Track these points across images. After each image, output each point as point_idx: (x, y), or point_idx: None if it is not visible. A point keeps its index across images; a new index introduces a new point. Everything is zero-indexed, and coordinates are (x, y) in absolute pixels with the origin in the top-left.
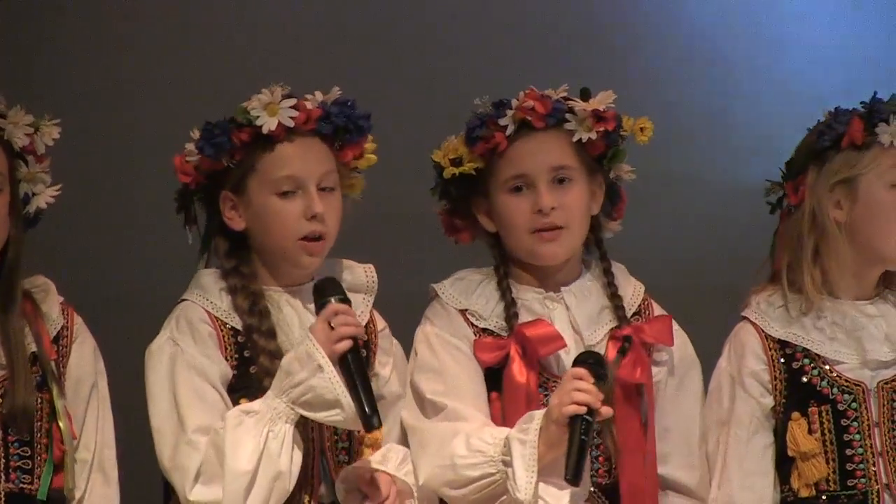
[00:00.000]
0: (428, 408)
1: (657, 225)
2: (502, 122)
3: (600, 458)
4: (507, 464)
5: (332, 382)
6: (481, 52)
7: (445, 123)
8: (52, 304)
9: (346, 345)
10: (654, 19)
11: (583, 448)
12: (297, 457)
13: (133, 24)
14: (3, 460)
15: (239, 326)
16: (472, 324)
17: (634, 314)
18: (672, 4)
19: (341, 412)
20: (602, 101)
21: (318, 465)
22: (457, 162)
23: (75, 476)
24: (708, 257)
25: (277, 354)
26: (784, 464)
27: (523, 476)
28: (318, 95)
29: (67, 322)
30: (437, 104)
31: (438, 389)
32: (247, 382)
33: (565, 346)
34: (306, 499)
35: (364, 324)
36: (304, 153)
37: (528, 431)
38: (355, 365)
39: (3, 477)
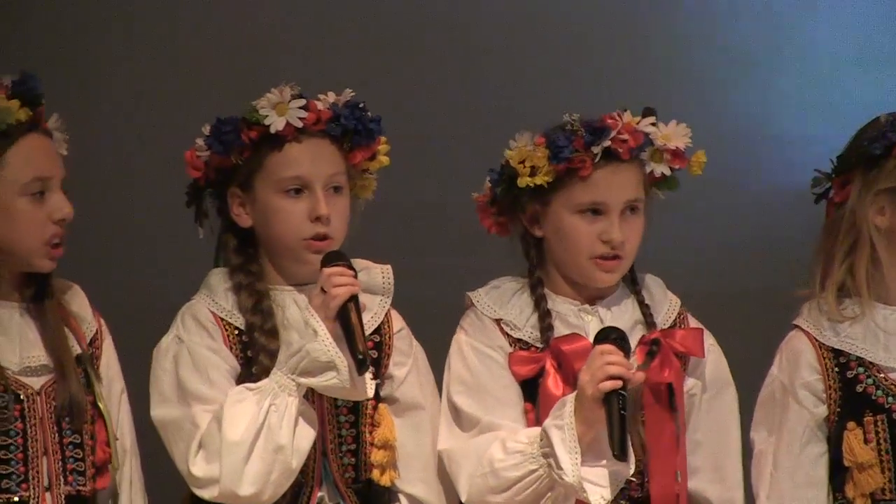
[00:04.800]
0: (464, 421)
1: (697, 231)
2: (594, 149)
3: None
4: (548, 455)
5: (325, 344)
6: (518, 58)
7: (481, 127)
8: (83, 305)
9: (333, 308)
10: (695, 24)
11: (623, 422)
12: (305, 432)
13: (143, 26)
14: (61, 462)
15: (243, 326)
16: (507, 334)
17: (670, 327)
18: (713, 9)
19: (336, 375)
20: (679, 136)
21: (319, 467)
22: (533, 171)
23: (121, 476)
24: (748, 264)
25: (277, 354)
26: (838, 473)
27: (567, 459)
28: (331, 96)
29: (98, 324)
30: (473, 108)
31: (472, 402)
32: (250, 382)
33: None
34: (305, 500)
35: (378, 325)
36: (312, 154)
37: (563, 416)
38: (347, 315)
39: (63, 479)
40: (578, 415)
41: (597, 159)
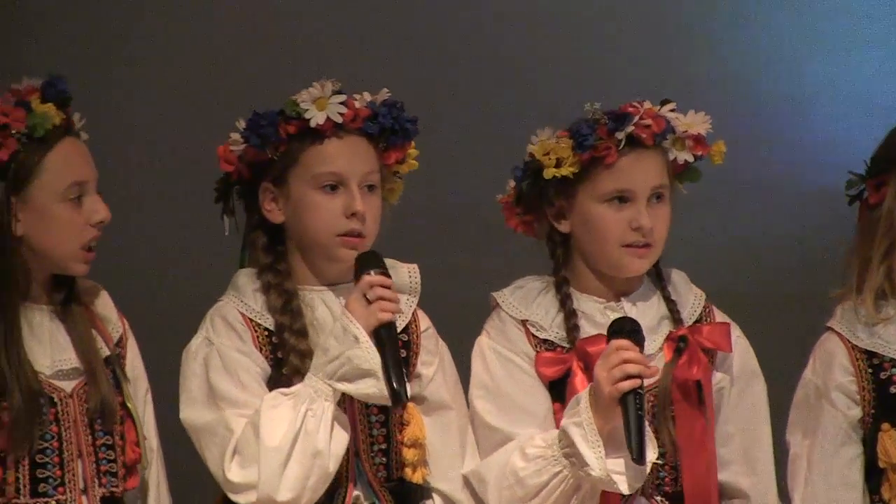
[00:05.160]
0: (480, 428)
1: (732, 231)
2: (618, 135)
3: (666, 467)
4: (570, 454)
5: (368, 352)
6: (544, 57)
7: (506, 126)
8: (108, 306)
9: (375, 320)
10: (731, 22)
11: (640, 423)
12: (340, 436)
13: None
14: (95, 464)
15: (272, 327)
16: (533, 335)
17: (696, 322)
18: (748, 6)
19: (376, 382)
20: (699, 123)
21: (352, 467)
22: (558, 162)
23: (148, 475)
24: (782, 263)
25: (308, 354)
26: (873, 474)
27: (590, 454)
28: (366, 95)
29: (122, 324)
30: (498, 108)
31: (491, 408)
32: (280, 383)
33: None
34: (341, 497)
35: (406, 324)
36: (349, 151)
37: (580, 412)
38: (387, 337)
39: (97, 482)
40: (595, 408)
41: (621, 146)
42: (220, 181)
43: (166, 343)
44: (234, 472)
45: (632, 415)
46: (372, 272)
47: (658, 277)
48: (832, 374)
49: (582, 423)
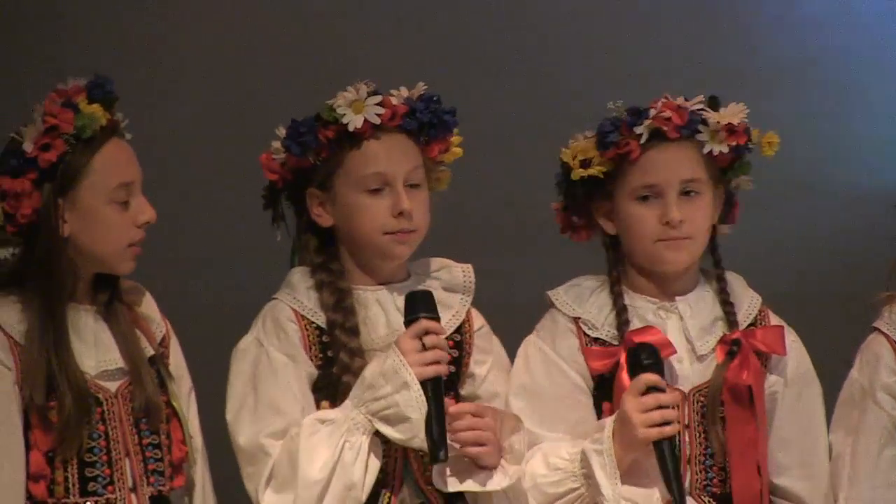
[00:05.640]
0: None
1: (780, 232)
2: (637, 129)
3: (714, 468)
4: (588, 476)
5: (417, 401)
6: (599, 52)
7: (564, 126)
8: (151, 306)
9: (432, 371)
10: (779, 22)
11: (677, 464)
12: (373, 466)
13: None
14: (142, 464)
15: (324, 325)
16: (585, 333)
17: (750, 325)
18: (798, 8)
19: (419, 433)
20: (734, 114)
21: (400, 467)
22: (586, 164)
23: (193, 474)
24: (831, 265)
25: (358, 352)
26: None
27: (607, 484)
28: (403, 91)
29: (165, 324)
30: (555, 108)
31: (524, 406)
32: (329, 381)
33: (675, 352)
34: (387, 497)
35: (459, 324)
36: (390, 150)
37: (603, 441)
38: (434, 392)
39: (146, 481)
40: (619, 438)
41: (642, 140)
42: (266, 188)
43: (206, 346)
44: (268, 498)
45: (668, 458)
46: (428, 316)
47: (718, 279)
48: (878, 374)
49: (603, 452)
